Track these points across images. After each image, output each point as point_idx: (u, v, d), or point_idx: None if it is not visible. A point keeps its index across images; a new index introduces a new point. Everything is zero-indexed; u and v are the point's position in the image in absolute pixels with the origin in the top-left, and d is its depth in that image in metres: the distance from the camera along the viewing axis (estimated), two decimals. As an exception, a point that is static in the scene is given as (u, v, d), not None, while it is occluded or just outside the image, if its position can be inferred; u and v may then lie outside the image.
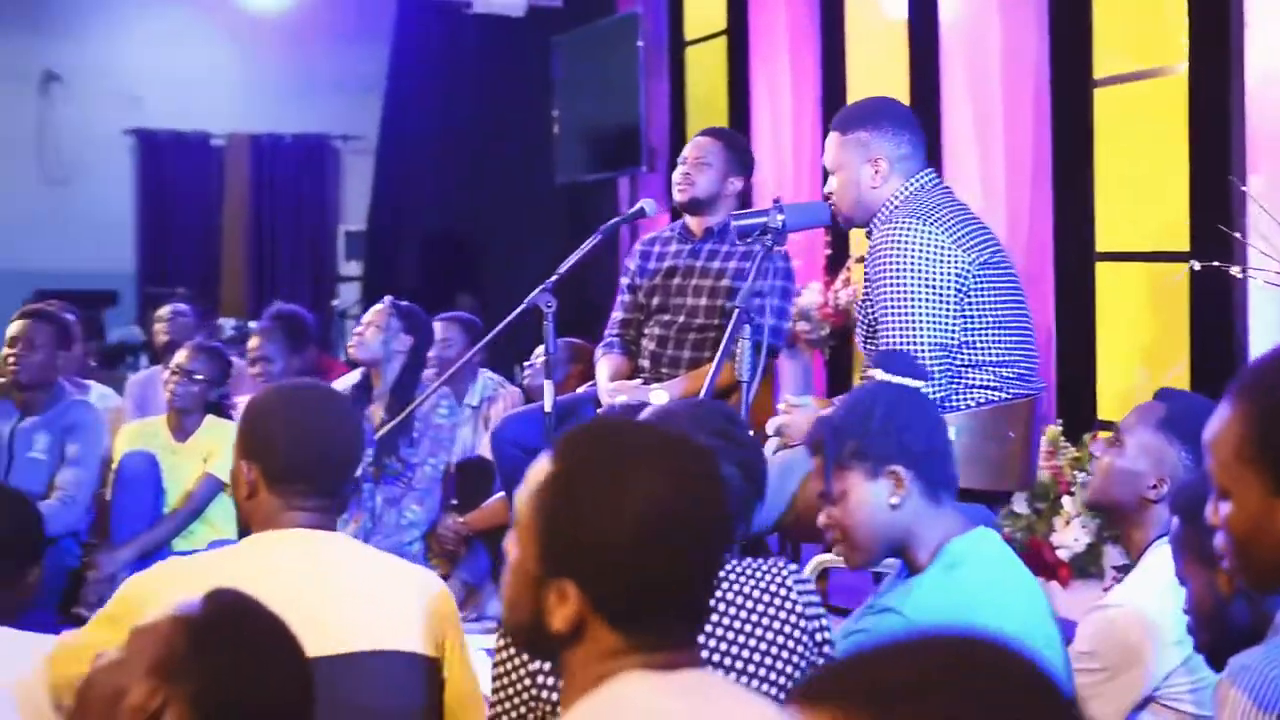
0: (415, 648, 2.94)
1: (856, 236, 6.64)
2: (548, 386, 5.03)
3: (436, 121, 12.20)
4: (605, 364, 5.69)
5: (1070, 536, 5.55)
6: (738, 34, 8.52)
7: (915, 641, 1.36)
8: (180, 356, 5.92)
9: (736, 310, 4.09)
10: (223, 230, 13.55)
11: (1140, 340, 5.95)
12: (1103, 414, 5.97)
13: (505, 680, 2.61)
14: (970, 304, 4.14)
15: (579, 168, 9.51)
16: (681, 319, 5.54)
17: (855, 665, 1.35)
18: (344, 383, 6.31)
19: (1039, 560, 5.72)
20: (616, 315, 5.79)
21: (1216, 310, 5.37)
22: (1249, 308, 5.19)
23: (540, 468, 1.98)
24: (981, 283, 4.15)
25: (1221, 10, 5.35)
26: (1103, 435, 5.52)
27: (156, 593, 2.72)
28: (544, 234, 10.34)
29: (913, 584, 2.93)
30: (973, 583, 2.90)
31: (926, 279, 4.10)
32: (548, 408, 5.01)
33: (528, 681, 2.57)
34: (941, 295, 4.10)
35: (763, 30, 8.30)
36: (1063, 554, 5.59)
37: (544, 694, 2.55)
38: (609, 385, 5.52)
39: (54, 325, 5.69)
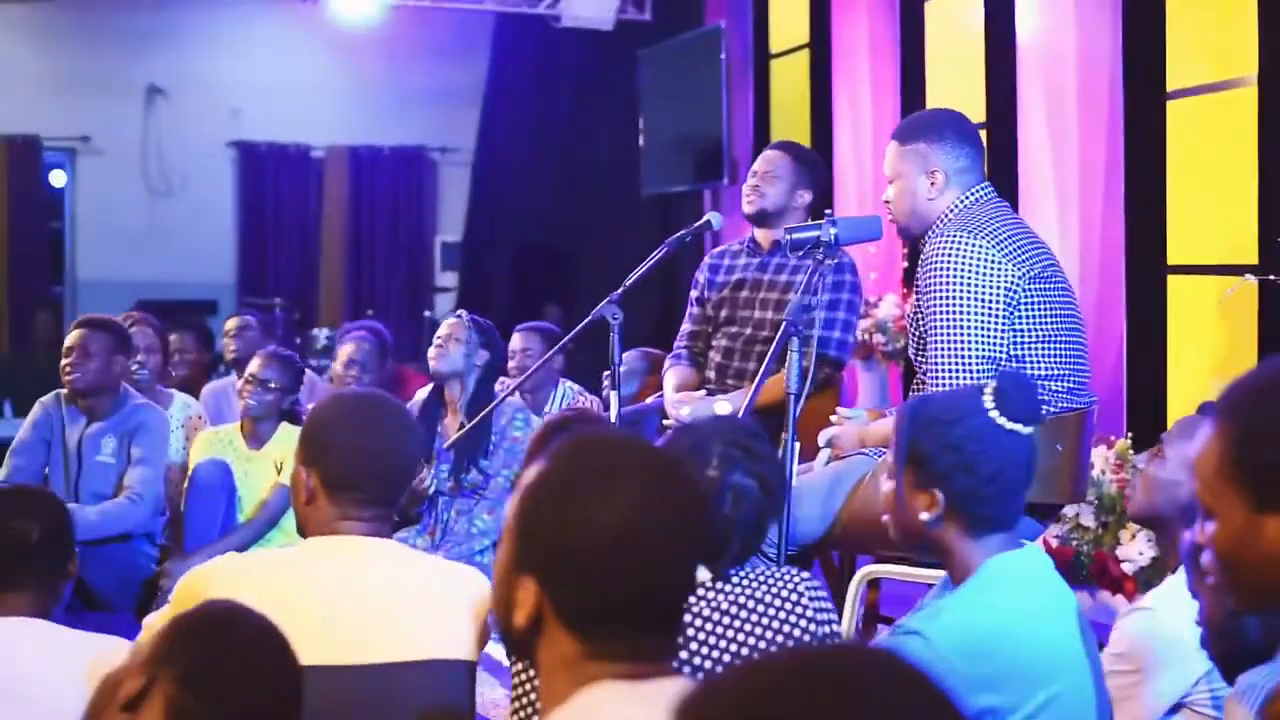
0: (462, 654, 2.99)
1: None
2: (613, 397, 5.09)
3: (531, 134, 12.32)
4: (672, 375, 5.74)
5: (1135, 550, 5.53)
6: (820, 47, 8.55)
7: (808, 653, 1.38)
8: (254, 365, 6.03)
9: (785, 323, 4.11)
10: (321, 241, 13.75)
11: (1210, 353, 5.92)
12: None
13: (521, 690, 2.67)
14: (1019, 318, 4.15)
15: (664, 179, 9.57)
16: (749, 331, 5.58)
17: (744, 676, 1.37)
18: (420, 395, 6.40)
19: (1104, 573, 5.71)
20: (685, 327, 5.84)
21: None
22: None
23: (532, 470, 2.05)
24: (1031, 297, 4.16)
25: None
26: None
27: (210, 586, 2.81)
28: (631, 245, 10.37)
29: (941, 606, 2.92)
30: (1009, 605, 2.86)
31: (976, 292, 4.11)
32: (613, 418, 5.07)
33: (535, 695, 2.62)
34: (990, 309, 4.11)
35: (844, 43, 8.32)
36: (1128, 567, 5.57)
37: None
38: (674, 396, 5.57)
39: (110, 333, 5.82)
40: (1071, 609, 3.02)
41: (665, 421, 5.49)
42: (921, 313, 4.26)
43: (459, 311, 6.23)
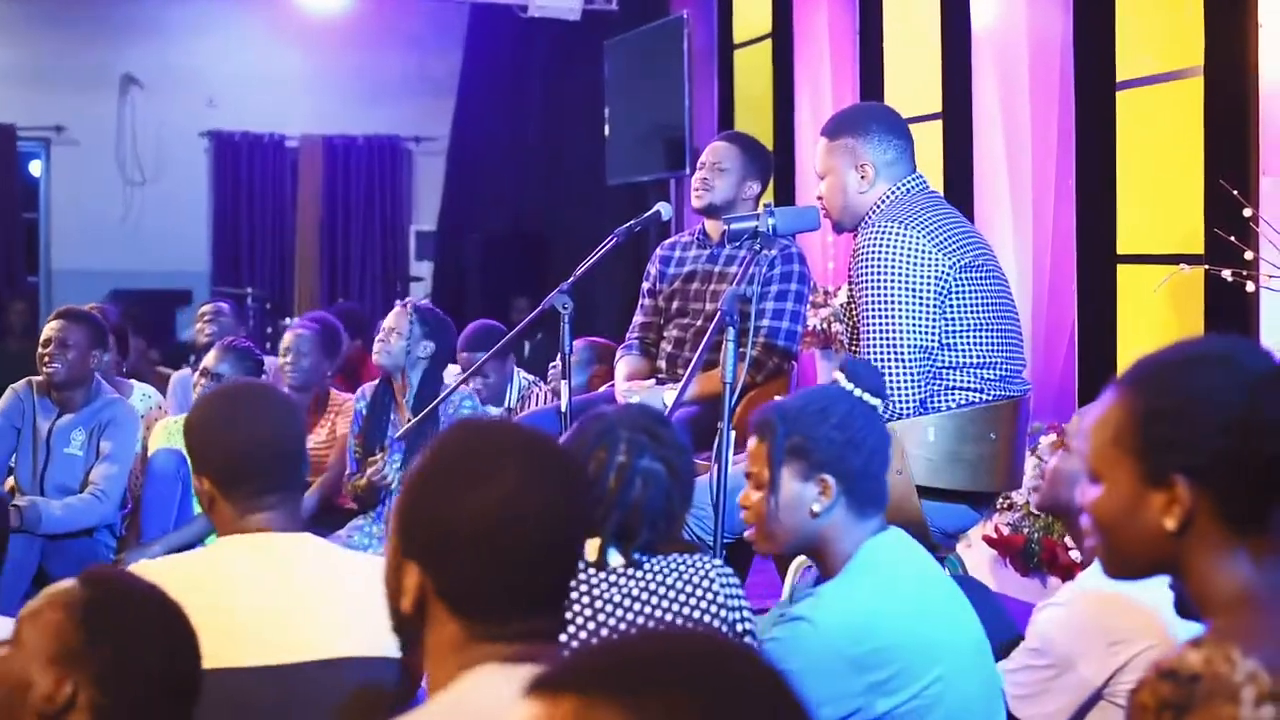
0: (391, 650, 3.02)
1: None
2: (563, 387, 5.13)
3: (504, 123, 12.35)
4: (623, 365, 5.78)
5: (1083, 538, 5.57)
6: (782, 37, 8.59)
7: (660, 636, 1.42)
8: (209, 359, 6.01)
9: (719, 313, 4.15)
10: (295, 230, 13.77)
11: (1159, 341, 5.94)
12: (1122, 415, 5.98)
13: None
14: (950, 306, 4.19)
15: (630, 169, 9.61)
16: (699, 322, 5.61)
17: (598, 653, 1.41)
18: (371, 384, 6.43)
19: (1055, 561, 5.76)
20: (637, 319, 5.88)
21: (1229, 312, 5.38)
22: (1261, 310, 5.20)
23: (419, 458, 2.09)
24: (962, 286, 4.21)
25: (1237, 14, 5.37)
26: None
27: None
28: (598, 235, 10.42)
29: (822, 592, 2.96)
30: (887, 587, 2.93)
31: (906, 282, 4.16)
32: (563, 407, 5.11)
33: None
34: (921, 298, 4.16)
35: (806, 33, 8.37)
36: (1077, 555, 5.61)
37: None
38: (624, 385, 5.61)
39: (87, 326, 5.84)
40: (949, 588, 3.08)
41: (615, 410, 5.52)
42: (854, 303, 4.31)
43: (404, 300, 6.18)
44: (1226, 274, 4.77)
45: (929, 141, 6.79)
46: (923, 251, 4.17)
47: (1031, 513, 5.88)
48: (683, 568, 2.82)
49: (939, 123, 7.01)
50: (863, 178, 4.38)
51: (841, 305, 4.60)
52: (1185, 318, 5.70)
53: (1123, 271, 6.11)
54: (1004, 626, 3.66)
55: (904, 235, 4.19)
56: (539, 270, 11.68)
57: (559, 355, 6.55)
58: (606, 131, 9.78)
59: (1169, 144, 5.85)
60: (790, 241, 5.49)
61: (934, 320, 4.17)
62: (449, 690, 1.97)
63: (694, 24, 8.72)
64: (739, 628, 2.80)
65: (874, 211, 4.36)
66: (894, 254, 4.17)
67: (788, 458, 2.98)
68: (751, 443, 3.09)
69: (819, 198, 4.52)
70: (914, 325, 4.15)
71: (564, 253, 11.34)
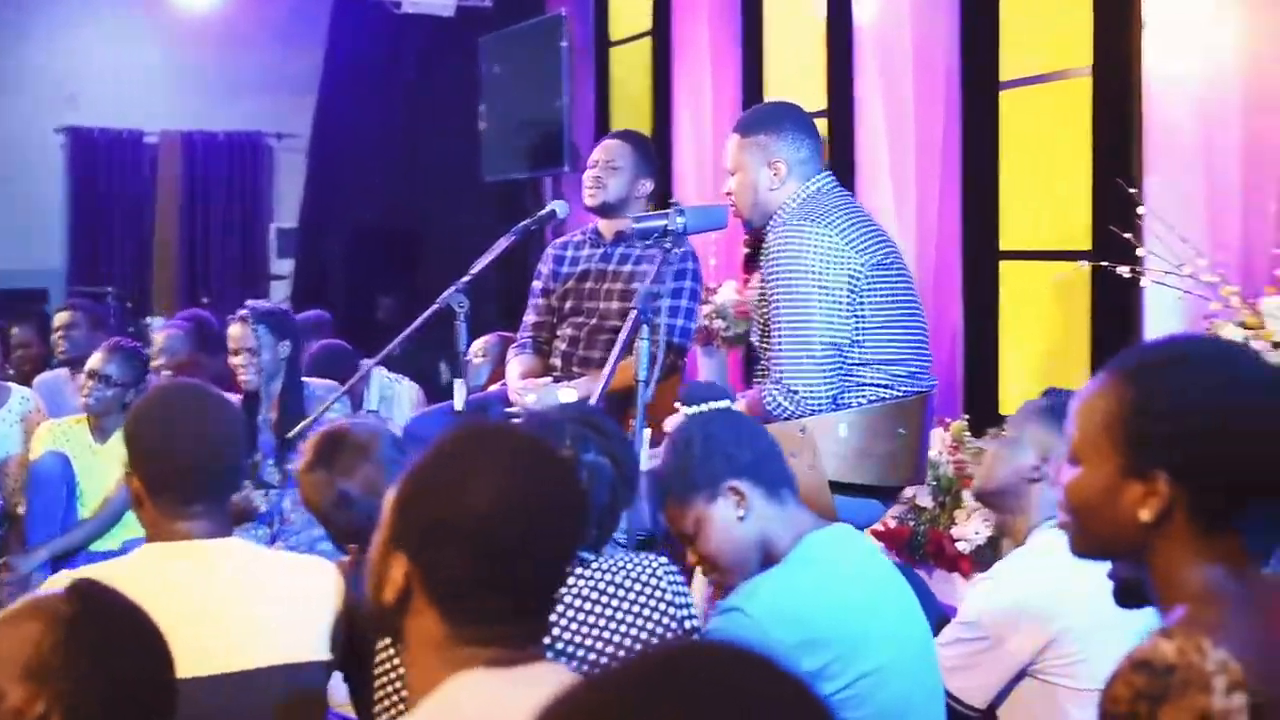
0: (318, 655, 2.98)
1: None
2: (458, 385, 5.10)
3: (369, 120, 12.25)
4: (516, 363, 5.77)
5: (971, 529, 5.66)
6: (661, 35, 8.61)
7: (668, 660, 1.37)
8: (95, 360, 5.93)
9: (633, 311, 4.16)
10: (155, 228, 13.55)
11: (1043, 336, 6.06)
12: (1005, 409, 6.08)
13: (386, 670, 2.69)
14: (862, 304, 4.24)
15: (506, 166, 9.58)
16: (594, 321, 5.62)
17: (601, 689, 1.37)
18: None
19: (941, 553, 5.84)
20: (529, 318, 5.87)
21: (1115, 308, 5.49)
22: (1145, 306, 5.30)
23: (416, 455, 2.09)
24: (874, 284, 4.25)
25: (1123, 15, 5.48)
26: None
27: None
28: (472, 232, 10.39)
29: (759, 584, 2.99)
30: (820, 575, 2.95)
31: (819, 280, 4.20)
32: (458, 405, 5.08)
33: (402, 670, 2.64)
34: (834, 296, 4.20)
35: (685, 31, 8.39)
36: (963, 546, 5.69)
37: None
38: (519, 384, 5.60)
39: None
40: (896, 585, 3.11)
41: (510, 409, 5.51)
42: (766, 300, 4.33)
43: (241, 313, 6.00)
44: (1124, 270, 4.85)
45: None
46: (836, 249, 4.21)
47: (918, 505, 5.95)
48: (630, 566, 2.82)
49: (823, 120, 7.07)
50: (774, 175, 4.42)
51: (752, 303, 4.62)
52: (1071, 314, 5.79)
53: (1006, 267, 6.20)
54: (929, 606, 3.73)
55: (818, 233, 4.23)
56: (407, 268, 11.61)
57: (476, 352, 6.57)
58: (482, 128, 9.74)
59: (1054, 142, 5.95)
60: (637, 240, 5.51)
61: (846, 317, 4.21)
62: (436, 695, 1.96)
63: (572, 21, 8.71)
64: (687, 625, 2.81)
65: (785, 209, 4.39)
66: (807, 251, 4.21)
67: (689, 499, 3.04)
68: (662, 517, 3.13)
69: (727, 194, 4.54)
70: (827, 322, 4.19)
71: (435, 250, 11.28)
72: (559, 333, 5.73)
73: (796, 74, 7.45)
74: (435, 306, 5.13)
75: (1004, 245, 6.20)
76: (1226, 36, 5.04)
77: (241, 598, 2.90)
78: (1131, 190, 5.03)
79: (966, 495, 5.74)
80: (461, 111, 10.21)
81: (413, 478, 2.05)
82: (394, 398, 6.90)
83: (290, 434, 5.85)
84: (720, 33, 8.10)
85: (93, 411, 5.89)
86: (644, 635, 2.75)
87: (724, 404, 3.12)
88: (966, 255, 6.33)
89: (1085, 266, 4.95)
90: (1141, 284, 5.15)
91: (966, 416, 6.03)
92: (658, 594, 2.79)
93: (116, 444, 5.90)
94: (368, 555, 2.11)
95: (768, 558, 3.05)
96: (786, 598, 2.89)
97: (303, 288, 12.79)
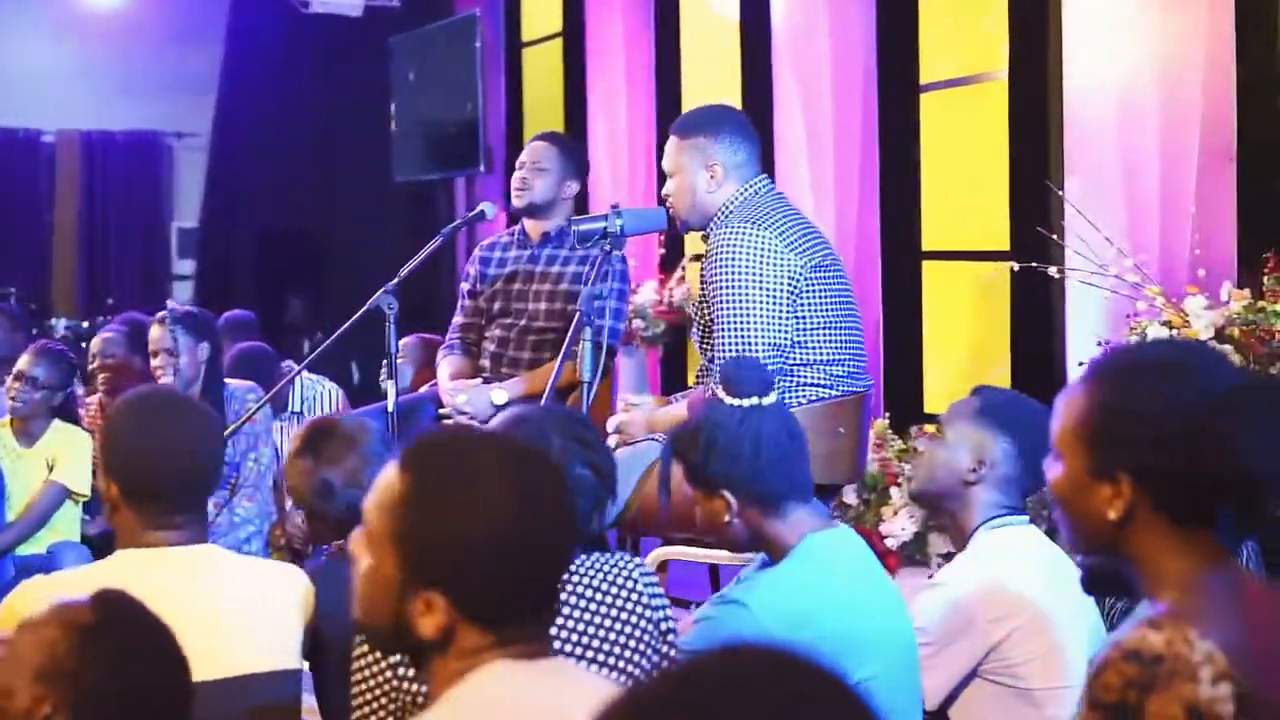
0: (293, 664, 3.00)
1: (691, 236, 6.78)
2: (389, 387, 5.12)
3: (272, 119, 12.18)
4: (446, 365, 5.79)
5: (898, 526, 5.74)
6: (574, 36, 8.63)
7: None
8: (22, 361, 5.87)
9: (578, 313, 4.20)
10: (54, 228, 13.40)
11: (965, 336, 6.16)
12: (929, 408, 6.18)
13: (365, 674, 2.70)
14: (802, 305, 4.30)
15: (417, 167, 9.58)
16: (523, 322, 5.65)
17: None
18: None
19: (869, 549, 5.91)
20: (457, 320, 5.89)
21: (1036, 308, 5.60)
22: (1067, 306, 5.41)
23: (390, 478, 2.05)
24: (813, 284, 4.32)
25: (1040, 20, 5.58)
26: (929, 429, 5.74)
27: (28, 610, 2.75)
28: (382, 233, 10.39)
29: (759, 578, 3.05)
30: (823, 579, 3.00)
31: (760, 281, 4.26)
32: (390, 407, 5.10)
33: (389, 674, 2.67)
34: (775, 297, 4.26)
35: (599, 32, 8.42)
36: (891, 543, 5.78)
37: (404, 685, 2.65)
38: (449, 385, 5.62)
39: None
40: (890, 592, 3.17)
41: (441, 410, 5.53)
42: (708, 301, 4.39)
43: (160, 315, 5.97)
44: (1052, 271, 4.95)
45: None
46: (775, 251, 4.28)
47: (844, 502, 6.03)
48: (606, 568, 2.85)
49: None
50: (712, 177, 4.47)
51: (693, 304, 4.67)
52: (992, 313, 5.89)
53: (928, 267, 6.29)
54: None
55: (757, 235, 4.29)
56: (315, 269, 11.57)
57: (386, 354, 6.55)
58: (393, 128, 9.73)
59: (973, 144, 6.04)
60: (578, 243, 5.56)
61: (787, 318, 4.28)
62: (463, 686, 1.98)
63: (483, 21, 8.72)
64: (663, 626, 2.85)
65: (723, 212, 4.45)
66: (748, 253, 4.27)
67: (693, 485, 3.11)
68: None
69: (665, 196, 4.59)
70: (767, 323, 4.26)
71: (344, 251, 11.25)
72: (488, 334, 5.76)
73: (712, 75, 7.50)
74: (365, 308, 5.14)
75: (926, 246, 6.28)
76: (1143, 39, 5.15)
77: (219, 605, 2.90)
78: (1060, 192, 5.13)
79: (892, 492, 5.83)
80: (371, 112, 10.20)
81: (413, 510, 2.02)
82: (316, 399, 6.88)
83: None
84: (634, 33, 8.14)
85: (19, 414, 5.84)
86: (622, 637, 2.79)
87: (760, 400, 3.11)
88: (887, 255, 6.41)
89: (1015, 267, 5.04)
90: (1064, 284, 5.26)
91: (888, 415, 6.11)
92: (635, 596, 2.83)
93: (42, 448, 5.86)
94: (353, 570, 2.11)
95: (769, 550, 3.09)
96: (785, 595, 2.95)
97: (208, 288, 12.70)
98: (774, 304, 4.26)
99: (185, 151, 13.60)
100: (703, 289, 4.45)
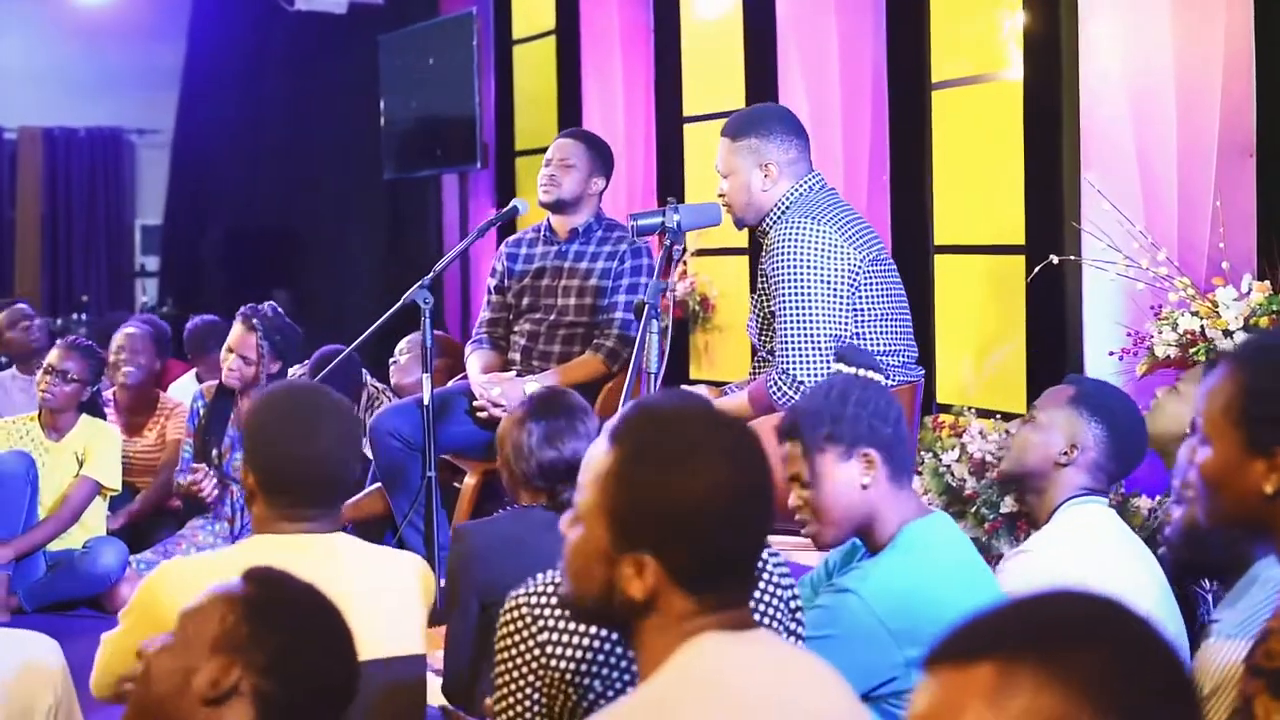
0: (419, 648, 3.12)
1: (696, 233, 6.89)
2: (425, 380, 5.21)
3: (240, 116, 12.20)
4: (476, 359, 5.90)
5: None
6: (568, 33, 8.69)
7: (1056, 595, 1.53)
8: (53, 356, 5.94)
9: (646, 305, 4.31)
10: (16, 224, 13.36)
11: (978, 327, 6.27)
12: (941, 398, 6.30)
13: (513, 653, 2.77)
14: (860, 298, 4.45)
15: (407, 164, 9.64)
16: (552, 317, 5.77)
17: (1004, 618, 1.53)
18: (184, 385, 6.36)
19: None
20: (485, 315, 6.01)
21: (1052, 301, 5.73)
22: (1084, 298, 5.55)
23: (603, 452, 2.17)
24: (871, 278, 4.46)
25: (1053, 21, 5.72)
26: (944, 418, 5.88)
27: (173, 593, 2.84)
28: (364, 229, 10.44)
29: (868, 567, 3.15)
30: (928, 567, 3.12)
31: (821, 274, 4.40)
32: (425, 400, 5.19)
33: (536, 652, 2.72)
34: (835, 289, 4.40)
35: (594, 29, 8.49)
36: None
37: (554, 663, 2.70)
38: (482, 378, 5.71)
39: None
40: (986, 575, 3.30)
41: (475, 403, 5.62)
42: (768, 294, 4.52)
43: (245, 314, 6.09)
44: (1090, 262, 5.09)
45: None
46: (835, 245, 4.41)
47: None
48: None
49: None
50: (766, 176, 4.60)
51: (752, 300, 4.80)
52: (1006, 307, 6.02)
53: (940, 261, 6.42)
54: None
55: (817, 230, 4.42)
56: (290, 265, 11.59)
57: (403, 350, 6.64)
58: (382, 125, 9.78)
59: (985, 141, 6.15)
60: (636, 237, 5.68)
61: (847, 310, 4.42)
62: (679, 658, 2.08)
63: (477, 19, 8.80)
64: (792, 605, 2.95)
65: (779, 208, 4.58)
66: (809, 248, 4.40)
67: (825, 447, 3.16)
68: (784, 449, 3.24)
69: (720, 195, 4.72)
70: (829, 315, 4.39)
71: (321, 247, 11.29)
72: (516, 328, 5.87)
73: (715, 72, 7.58)
74: (400, 303, 5.25)
75: (938, 240, 6.41)
76: (1160, 34, 5.28)
77: (348, 589, 2.98)
78: (1092, 184, 5.26)
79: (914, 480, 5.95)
80: (354, 109, 10.24)
81: (626, 480, 2.13)
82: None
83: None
84: (631, 31, 8.22)
85: (49, 407, 5.90)
86: (755, 615, 2.89)
87: (879, 377, 3.25)
88: (898, 251, 6.52)
89: (1054, 260, 5.17)
90: (1081, 276, 5.40)
91: (903, 405, 6.23)
92: (765, 574, 2.93)
93: (71, 442, 5.92)
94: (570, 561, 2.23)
95: (867, 533, 3.21)
96: (897, 585, 3.06)
97: (175, 285, 12.71)
98: (834, 296, 4.40)
99: (148, 149, 13.61)
100: (762, 282, 4.58)
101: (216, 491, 5.97)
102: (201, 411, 6.08)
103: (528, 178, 8.74)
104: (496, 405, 5.49)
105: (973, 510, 5.14)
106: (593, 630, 2.69)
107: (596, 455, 2.20)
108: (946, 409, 6.17)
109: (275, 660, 2.24)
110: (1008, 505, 5.02)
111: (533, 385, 5.57)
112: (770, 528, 2.24)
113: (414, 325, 7.24)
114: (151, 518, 6.37)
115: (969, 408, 5.69)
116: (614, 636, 2.68)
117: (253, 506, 3.08)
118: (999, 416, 5.41)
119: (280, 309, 6.13)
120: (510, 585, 2.82)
